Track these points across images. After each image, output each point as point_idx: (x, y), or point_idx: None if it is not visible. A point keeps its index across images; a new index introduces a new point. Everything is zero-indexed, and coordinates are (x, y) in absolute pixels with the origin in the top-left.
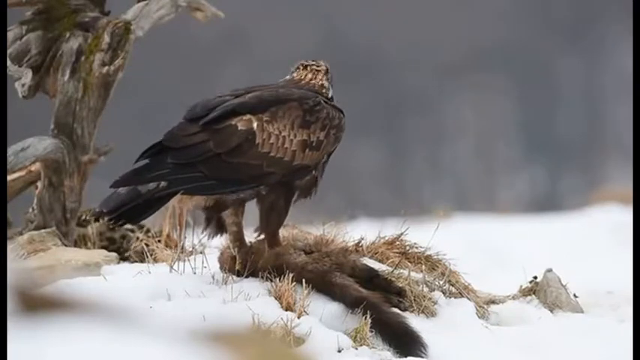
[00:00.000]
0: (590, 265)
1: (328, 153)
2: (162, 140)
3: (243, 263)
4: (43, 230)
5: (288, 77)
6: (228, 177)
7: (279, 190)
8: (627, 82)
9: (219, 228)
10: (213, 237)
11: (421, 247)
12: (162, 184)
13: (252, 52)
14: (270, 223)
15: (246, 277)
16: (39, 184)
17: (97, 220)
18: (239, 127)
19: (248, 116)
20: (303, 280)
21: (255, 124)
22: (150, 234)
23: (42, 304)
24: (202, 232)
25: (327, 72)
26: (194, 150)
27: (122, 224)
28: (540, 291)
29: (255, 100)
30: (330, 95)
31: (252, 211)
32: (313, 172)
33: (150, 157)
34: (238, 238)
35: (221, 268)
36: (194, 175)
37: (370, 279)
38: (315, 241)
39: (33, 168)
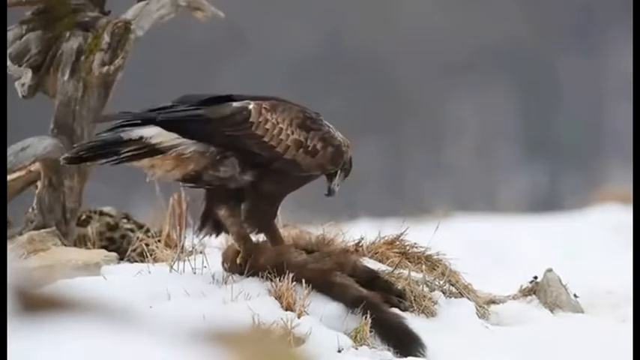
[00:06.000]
0: (590, 265)
1: (321, 168)
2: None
3: (245, 258)
4: (43, 230)
5: None
6: (213, 141)
7: (268, 180)
8: (627, 82)
9: (216, 228)
10: (209, 236)
11: (421, 247)
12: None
13: (252, 53)
14: (256, 216)
15: (247, 276)
16: (39, 184)
17: (68, 162)
18: (234, 104)
19: (246, 101)
20: (303, 280)
21: (251, 106)
22: (150, 234)
23: (42, 304)
24: (197, 231)
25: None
26: (184, 112)
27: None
28: (540, 291)
29: (253, 96)
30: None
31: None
32: (302, 173)
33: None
34: (242, 236)
35: (223, 263)
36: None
37: (370, 281)
38: (317, 241)
39: (33, 168)
